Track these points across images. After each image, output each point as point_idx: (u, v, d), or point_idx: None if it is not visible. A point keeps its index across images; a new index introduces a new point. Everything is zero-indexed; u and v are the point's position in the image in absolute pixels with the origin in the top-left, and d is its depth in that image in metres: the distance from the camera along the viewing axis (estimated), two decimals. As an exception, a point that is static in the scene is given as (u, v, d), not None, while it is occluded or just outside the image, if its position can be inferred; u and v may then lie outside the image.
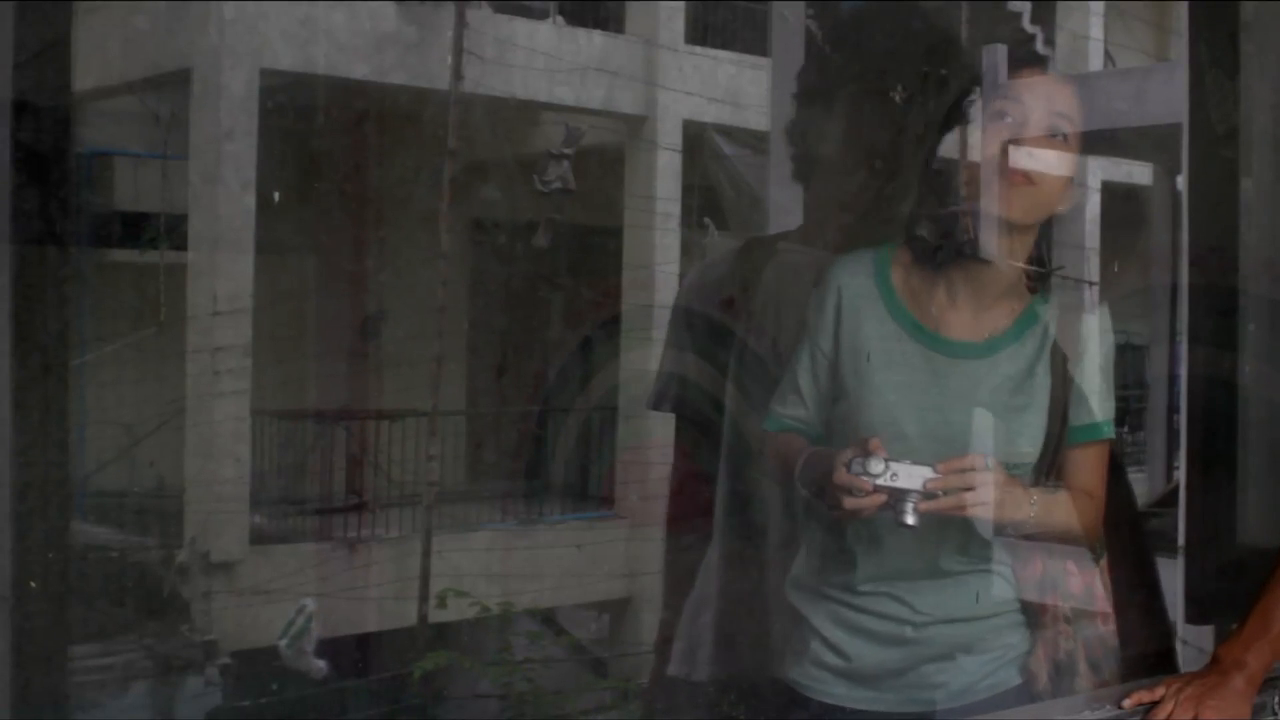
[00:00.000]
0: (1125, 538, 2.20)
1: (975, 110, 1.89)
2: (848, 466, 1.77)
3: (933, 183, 1.92)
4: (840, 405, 1.94)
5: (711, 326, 2.28)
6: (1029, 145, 1.84)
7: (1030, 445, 1.92)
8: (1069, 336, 1.95)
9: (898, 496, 1.77)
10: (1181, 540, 2.36)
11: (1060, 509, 1.95)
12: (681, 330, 2.31)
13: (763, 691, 2.18)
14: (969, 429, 1.90)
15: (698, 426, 2.31)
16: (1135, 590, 2.22)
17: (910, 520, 1.78)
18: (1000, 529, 1.90)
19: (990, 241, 1.87)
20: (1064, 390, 1.94)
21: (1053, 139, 1.87)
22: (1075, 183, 1.93)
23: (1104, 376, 1.99)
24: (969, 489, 1.79)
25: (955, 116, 1.93)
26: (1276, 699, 1.88)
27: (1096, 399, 1.98)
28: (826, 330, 1.93)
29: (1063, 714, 1.93)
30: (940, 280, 1.92)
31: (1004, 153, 1.84)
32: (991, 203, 1.84)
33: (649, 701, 2.25)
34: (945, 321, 1.91)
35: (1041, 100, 1.88)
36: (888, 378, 1.90)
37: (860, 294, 1.92)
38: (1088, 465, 1.98)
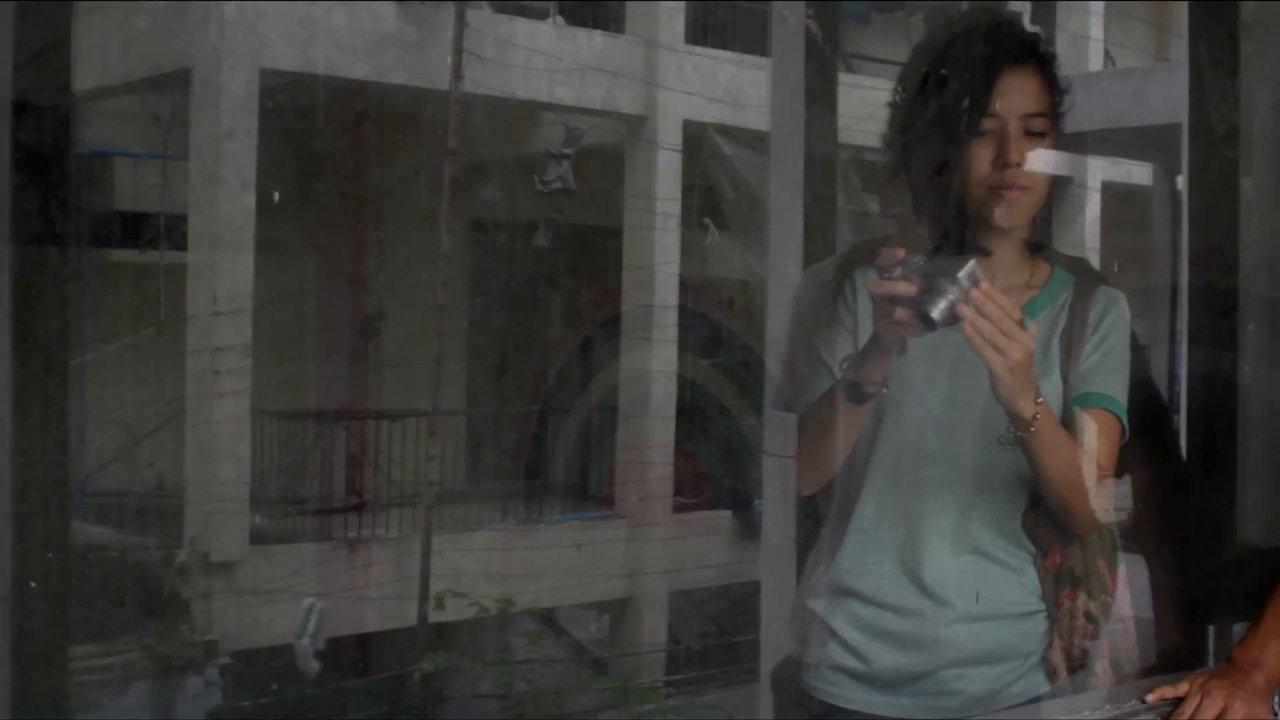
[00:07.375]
0: (1174, 529, 2.20)
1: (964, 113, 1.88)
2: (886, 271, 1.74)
3: (931, 185, 1.92)
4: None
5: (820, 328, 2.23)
6: (1012, 151, 1.85)
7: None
8: (1081, 318, 1.95)
9: (934, 286, 1.71)
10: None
11: (1063, 439, 1.88)
12: (801, 331, 2.24)
13: (776, 695, 2.15)
14: (988, 396, 1.85)
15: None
16: (1176, 585, 2.21)
17: (935, 314, 1.71)
18: (1005, 427, 1.85)
19: (986, 238, 1.91)
20: (1070, 364, 1.94)
21: (1034, 139, 1.88)
22: (1057, 181, 1.97)
23: (1115, 356, 1.96)
24: (996, 317, 1.73)
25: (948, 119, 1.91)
26: (1277, 699, 1.88)
27: (1103, 373, 1.95)
28: (849, 312, 1.95)
29: (1063, 714, 1.92)
30: None
31: (988, 160, 1.86)
32: (981, 207, 1.88)
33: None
34: None
35: (1015, 99, 1.87)
36: (910, 352, 1.88)
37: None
38: (1089, 432, 1.95)
